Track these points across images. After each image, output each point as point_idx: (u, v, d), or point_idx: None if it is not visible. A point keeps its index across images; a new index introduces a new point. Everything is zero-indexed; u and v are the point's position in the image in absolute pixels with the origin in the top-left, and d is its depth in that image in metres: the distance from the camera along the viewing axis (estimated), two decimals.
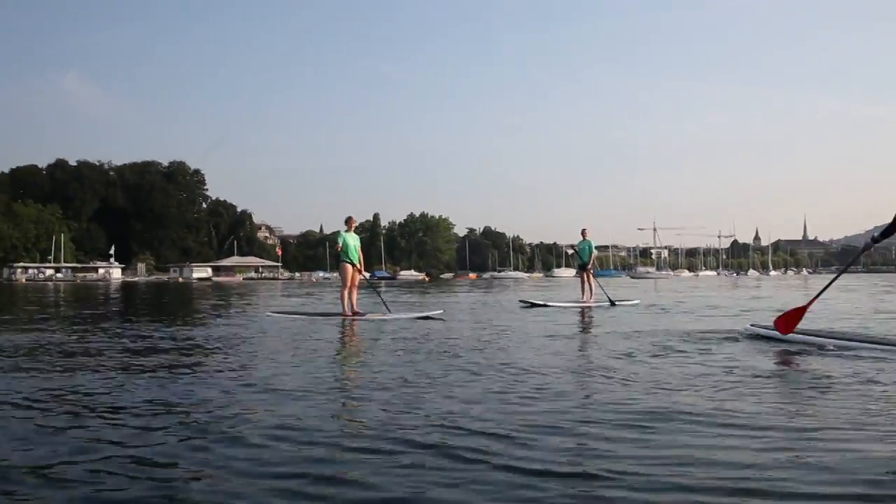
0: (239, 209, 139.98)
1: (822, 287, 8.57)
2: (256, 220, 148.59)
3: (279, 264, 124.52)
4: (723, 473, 3.13)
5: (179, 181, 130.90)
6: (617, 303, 16.85)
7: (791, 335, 7.90)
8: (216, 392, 5.33)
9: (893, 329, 9.75)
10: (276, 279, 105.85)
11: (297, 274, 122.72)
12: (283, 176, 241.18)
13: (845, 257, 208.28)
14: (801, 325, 8.07)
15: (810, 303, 7.99)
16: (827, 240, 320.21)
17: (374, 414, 4.48)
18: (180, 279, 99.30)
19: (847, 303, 17.80)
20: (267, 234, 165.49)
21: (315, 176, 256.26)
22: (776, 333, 8.10)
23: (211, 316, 15.25)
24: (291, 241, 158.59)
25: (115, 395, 5.21)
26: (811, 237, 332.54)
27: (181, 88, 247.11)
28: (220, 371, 6.49)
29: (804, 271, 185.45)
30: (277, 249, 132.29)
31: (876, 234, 7.73)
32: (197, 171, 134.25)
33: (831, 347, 7.35)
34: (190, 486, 3.05)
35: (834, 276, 8.32)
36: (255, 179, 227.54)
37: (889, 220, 7.24)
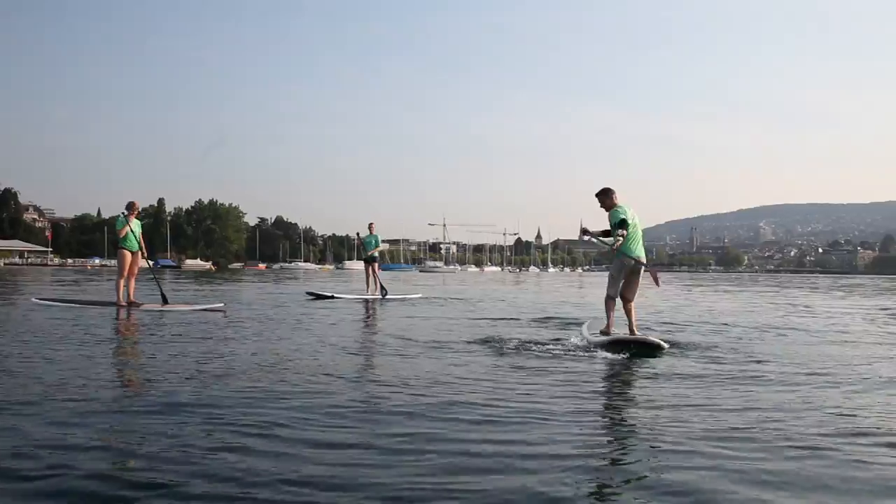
0: (1, 187, 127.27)
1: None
2: (23, 199, 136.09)
3: (49, 249, 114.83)
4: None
5: None
6: (389, 295, 17.67)
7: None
8: None
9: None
10: (45, 265, 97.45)
11: (70, 260, 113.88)
12: (57, 154, 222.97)
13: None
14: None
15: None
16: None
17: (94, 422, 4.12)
18: None
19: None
20: (36, 217, 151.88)
21: (95, 156, 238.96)
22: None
23: None
24: (65, 224, 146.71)
25: None
26: (586, 237, 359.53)
27: None
28: None
29: (579, 269, 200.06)
30: (47, 233, 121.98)
31: (594, 230, 8.66)
32: None
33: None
34: None
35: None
36: (24, 156, 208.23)
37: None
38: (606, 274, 8.80)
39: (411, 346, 7.87)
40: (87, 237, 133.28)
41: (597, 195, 8.45)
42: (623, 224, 8.10)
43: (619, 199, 8.35)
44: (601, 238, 8.57)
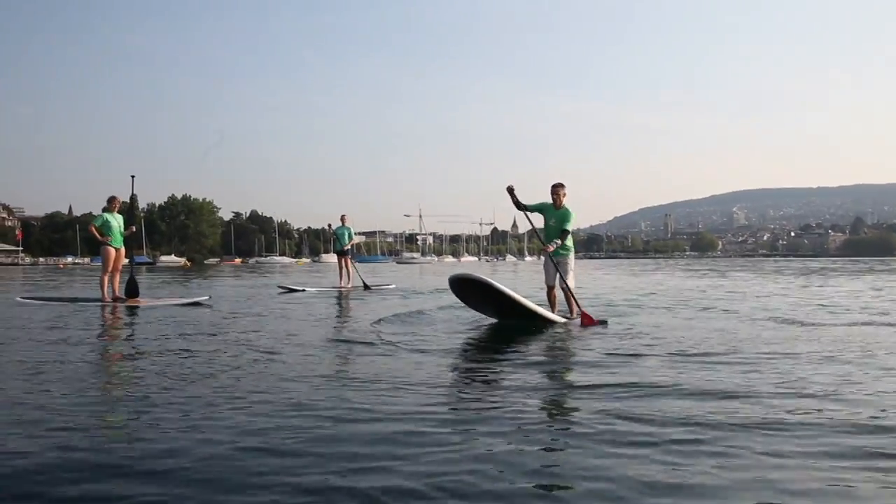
0: None
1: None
2: None
3: (20, 248, 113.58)
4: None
5: None
6: (372, 287, 18.03)
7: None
8: None
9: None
10: (17, 265, 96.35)
11: (42, 259, 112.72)
12: (25, 151, 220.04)
13: (590, 244, 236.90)
14: None
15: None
16: (574, 229, 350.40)
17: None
18: None
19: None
20: (5, 216, 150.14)
21: (63, 152, 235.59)
22: None
23: None
24: (35, 222, 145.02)
25: None
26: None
27: None
28: None
29: None
30: (18, 232, 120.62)
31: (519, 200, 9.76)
32: None
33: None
34: None
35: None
36: None
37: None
38: (578, 262, 9.54)
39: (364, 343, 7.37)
40: (58, 235, 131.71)
41: (556, 188, 9.47)
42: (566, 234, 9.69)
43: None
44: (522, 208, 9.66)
